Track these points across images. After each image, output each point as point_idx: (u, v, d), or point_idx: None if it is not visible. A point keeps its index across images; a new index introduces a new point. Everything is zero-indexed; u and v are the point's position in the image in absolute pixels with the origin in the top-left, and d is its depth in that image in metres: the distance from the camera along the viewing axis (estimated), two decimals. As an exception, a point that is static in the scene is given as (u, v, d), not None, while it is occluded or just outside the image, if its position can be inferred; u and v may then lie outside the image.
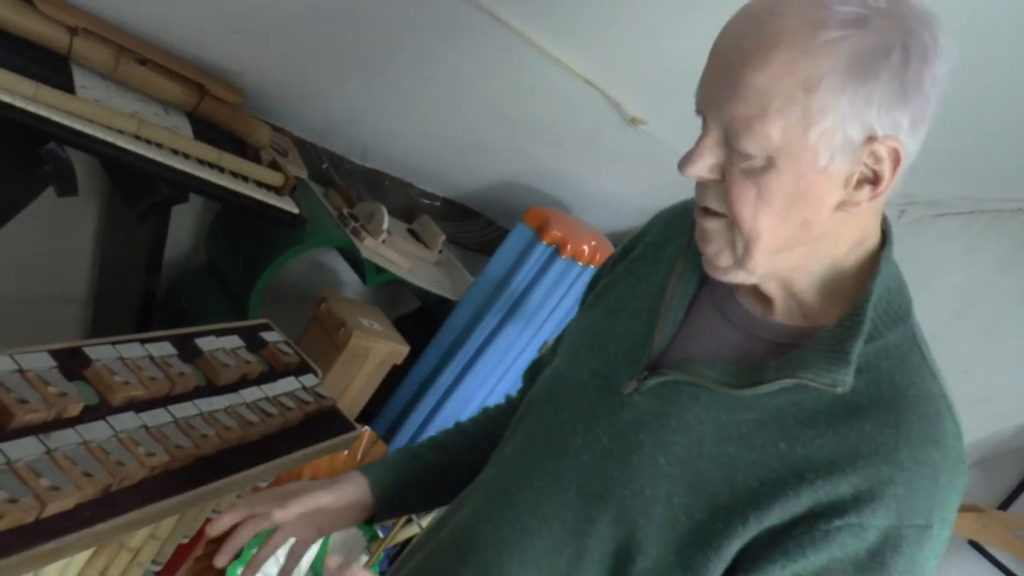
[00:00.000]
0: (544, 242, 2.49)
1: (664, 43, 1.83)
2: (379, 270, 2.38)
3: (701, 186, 0.91)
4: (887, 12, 0.81)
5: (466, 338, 2.55)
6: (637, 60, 1.96)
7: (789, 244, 0.88)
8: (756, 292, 0.97)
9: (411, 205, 2.77)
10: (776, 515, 0.88)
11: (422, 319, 2.84)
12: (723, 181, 0.88)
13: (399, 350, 2.39)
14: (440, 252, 2.70)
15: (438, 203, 2.83)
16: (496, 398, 2.50)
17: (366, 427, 2.22)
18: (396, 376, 2.53)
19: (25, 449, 1.05)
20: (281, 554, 2.03)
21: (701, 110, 0.88)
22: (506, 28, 1.81)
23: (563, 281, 2.55)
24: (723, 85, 0.84)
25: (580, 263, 2.53)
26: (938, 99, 0.84)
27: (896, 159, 0.83)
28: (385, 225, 2.39)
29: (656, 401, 0.96)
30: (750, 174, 0.85)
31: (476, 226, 2.97)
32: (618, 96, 2.11)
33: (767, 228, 0.86)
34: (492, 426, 1.25)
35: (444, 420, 2.60)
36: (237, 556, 1.98)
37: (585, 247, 2.52)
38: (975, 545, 3.17)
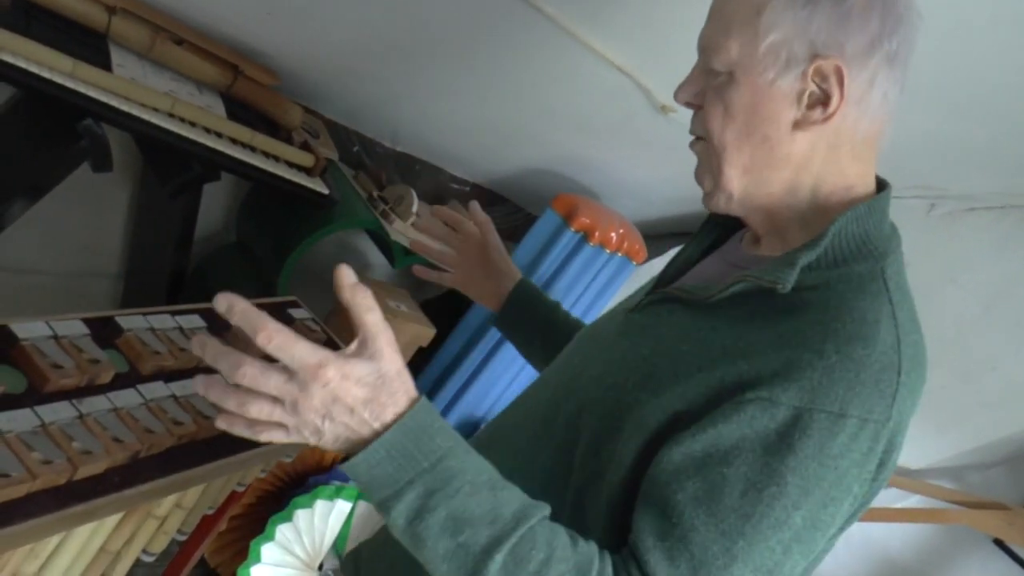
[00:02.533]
0: (572, 229, 2.50)
1: (696, 32, 1.82)
2: (407, 253, 2.40)
3: (693, 117, 1.06)
4: None
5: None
6: (669, 48, 1.95)
7: (756, 164, 1.01)
8: (754, 237, 1.11)
9: (441, 190, 2.79)
10: (697, 384, 0.93)
11: (449, 303, 2.86)
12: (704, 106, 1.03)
13: (426, 332, 2.41)
14: (469, 237, 2.70)
15: (468, 188, 2.84)
16: (521, 384, 2.51)
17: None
18: (422, 359, 2.55)
19: (59, 413, 1.08)
20: (305, 536, 2.06)
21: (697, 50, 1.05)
22: (539, 14, 1.81)
23: (591, 268, 2.55)
24: (709, 19, 1.03)
25: (608, 250, 2.53)
26: (890, 37, 0.96)
27: (840, 77, 0.95)
28: (415, 208, 2.40)
29: (644, 316, 1.10)
30: (718, 91, 1.01)
31: (505, 212, 2.97)
32: (649, 84, 2.10)
33: (732, 141, 1.01)
34: None
35: (467, 405, 2.61)
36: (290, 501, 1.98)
37: (613, 234, 2.52)
38: (1000, 544, 3.15)
